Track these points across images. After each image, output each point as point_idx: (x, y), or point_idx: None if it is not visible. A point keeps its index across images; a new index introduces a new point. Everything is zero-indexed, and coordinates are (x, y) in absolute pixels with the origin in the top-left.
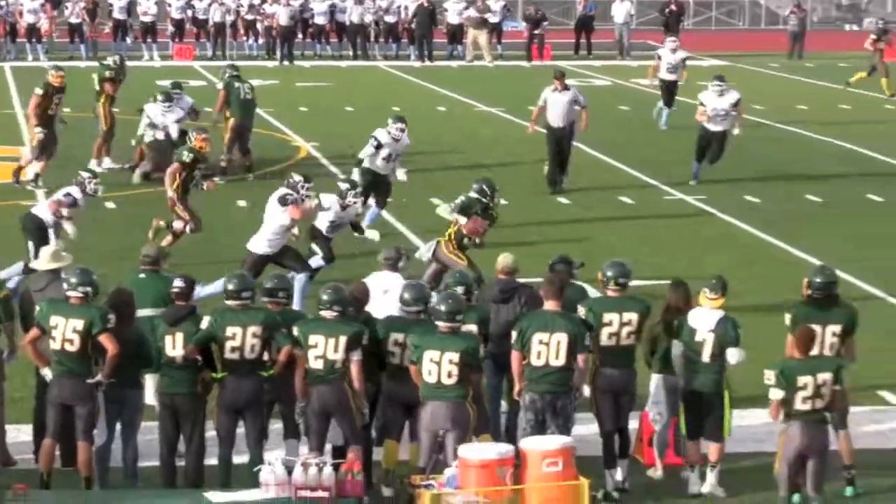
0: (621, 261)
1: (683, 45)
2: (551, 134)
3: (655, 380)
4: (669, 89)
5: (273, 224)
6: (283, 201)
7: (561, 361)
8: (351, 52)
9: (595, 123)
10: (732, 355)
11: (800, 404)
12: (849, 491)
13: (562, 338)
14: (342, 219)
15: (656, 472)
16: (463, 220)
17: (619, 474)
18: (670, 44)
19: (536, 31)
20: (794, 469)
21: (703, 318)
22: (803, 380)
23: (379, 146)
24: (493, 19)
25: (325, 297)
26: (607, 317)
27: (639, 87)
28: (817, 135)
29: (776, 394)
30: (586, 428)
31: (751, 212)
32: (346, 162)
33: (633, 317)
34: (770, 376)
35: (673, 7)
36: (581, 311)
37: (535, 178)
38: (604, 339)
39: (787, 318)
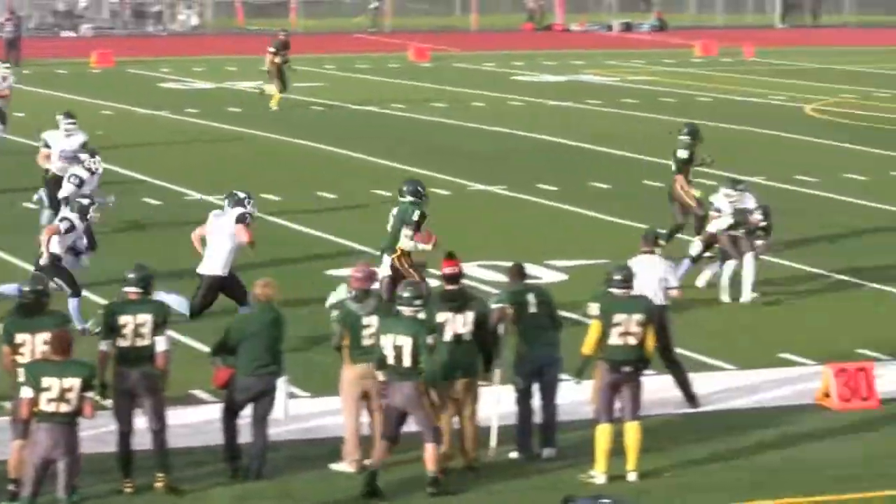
0: None
1: None
2: None
3: None
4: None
5: (229, 244)
6: (242, 219)
7: None
8: None
9: None
10: None
11: (45, 405)
12: None
13: None
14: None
15: None
16: (409, 236)
17: None
18: (2, 71)
19: None
20: (41, 471)
21: None
22: (48, 381)
23: (81, 184)
24: None
25: None
26: None
27: None
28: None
29: (26, 392)
30: None
31: None
32: None
33: None
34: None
35: None
36: None
37: None
38: None
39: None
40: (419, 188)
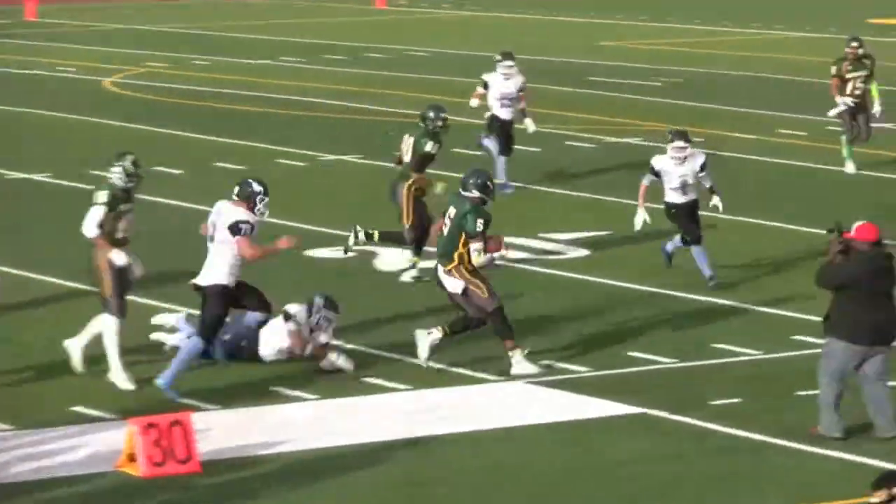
0: None
1: None
2: None
3: None
4: None
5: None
6: (236, 230)
7: None
8: None
9: None
10: None
11: None
12: None
13: None
14: None
15: None
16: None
17: None
18: None
19: None
20: None
21: None
22: None
23: None
24: None
25: None
26: None
27: None
28: None
29: None
30: None
31: None
32: None
33: None
34: None
35: None
36: None
37: None
38: None
39: None
40: (489, 182)
